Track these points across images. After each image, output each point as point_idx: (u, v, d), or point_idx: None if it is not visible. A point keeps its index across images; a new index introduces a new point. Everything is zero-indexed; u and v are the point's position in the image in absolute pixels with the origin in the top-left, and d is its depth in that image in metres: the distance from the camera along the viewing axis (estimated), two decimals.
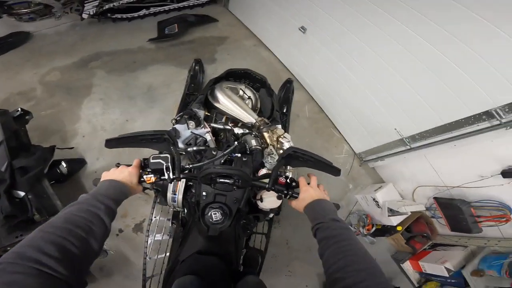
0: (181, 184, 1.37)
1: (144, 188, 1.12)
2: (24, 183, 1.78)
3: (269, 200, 1.29)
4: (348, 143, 2.98)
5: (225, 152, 1.33)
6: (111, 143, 1.12)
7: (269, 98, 2.11)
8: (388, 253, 2.66)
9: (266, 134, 1.60)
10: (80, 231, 0.71)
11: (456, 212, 2.07)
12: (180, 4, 3.76)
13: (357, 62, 2.45)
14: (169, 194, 1.38)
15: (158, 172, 1.06)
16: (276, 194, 1.16)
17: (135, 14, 3.56)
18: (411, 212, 2.31)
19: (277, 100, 2.14)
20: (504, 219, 1.89)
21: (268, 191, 1.13)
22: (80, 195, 0.87)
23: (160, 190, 1.42)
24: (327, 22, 2.60)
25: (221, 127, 1.74)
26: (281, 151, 1.52)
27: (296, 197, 1.09)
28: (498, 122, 1.63)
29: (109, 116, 2.77)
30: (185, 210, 1.56)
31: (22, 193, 1.78)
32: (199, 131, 1.66)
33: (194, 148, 1.55)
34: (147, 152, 1.14)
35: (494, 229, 2.01)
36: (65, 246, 0.65)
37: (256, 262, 1.91)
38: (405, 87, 2.10)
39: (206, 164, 1.26)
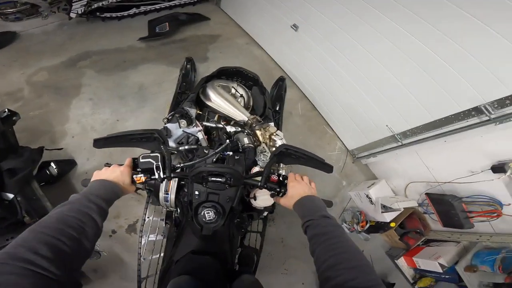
0: (173, 184, 1.36)
1: (137, 188, 1.10)
2: (12, 185, 1.77)
3: (263, 198, 1.28)
4: (341, 140, 2.99)
5: (216, 151, 1.32)
6: (99, 143, 1.10)
7: (261, 96, 2.10)
8: (383, 250, 2.68)
9: (258, 132, 1.60)
10: (72, 231, 0.70)
11: (448, 207, 2.09)
12: (171, 3, 3.72)
13: (349, 59, 2.46)
14: (161, 194, 1.37)
15: (148, 171, 1.05)
16: (269, 192, 1.15)
17: (125, 13, 3.51)
18: (403, 208, 2.33)
19: (269, 98, 2.13)
20: (495, 214, 1.91)
21: (261, 189, 1.13)
22: (70, 195, 0.86)
23: (152, 190, 1.40)
24: (319, 20, 2.60)
25: (213, 125, 1.73)
26: (274, 149, 1.52)
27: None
28: (487, 118, 1.65)
29: (99, 116, 2.73)
30: (178, 210, 1.54)
31: (11, 195, 1.77)
32: (191, 129, 1.65)
33: (186, 147, 1.53)
34: (140, 152, 1.12)
35: (485, 224, 2.04)
36: (58, 246, 0.65)
37: (252, 260, 1.90)
38: (396, 84, 2.11)
39: (198, 162, 1.25)
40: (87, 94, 2.85)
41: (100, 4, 3.18)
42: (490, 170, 1.79)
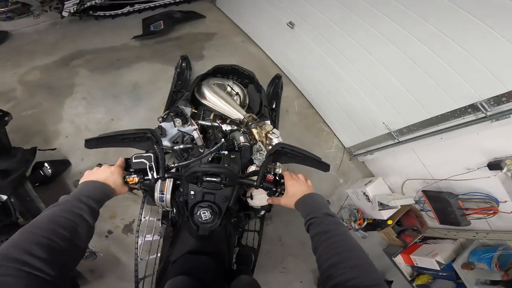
0: (169, 183, 1.34)
1: (132, 188, 1.08)
2: (5, 186, 1.75)
3: (260, 198, 1.27)
4: (337, 138, 2.99)
5: (211, 150, 1.30)
6: (90, 143, 1.07)
7: (257, 94, 2.09)
8: (380, 247, 2.69)
9: (254, 130, 1.58)
10: (65, 232, 0.70)
11: (445, 205, 2.10)
12: (166, 1, 3.67)
13: (345, 57, 2.45)
14: (157, 194, 1.34)
15: (141, 172, 1.03)
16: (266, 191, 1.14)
17: (119, 11, 3.45)
18: (400, 205, 2.33)
19: (265, 96, 2.12)
20: (492, 211, 1.91)
21: (256, 188, 1.11)
22: (60, 197, 0.85)
23: (147, 190, 1.38)
24: (315, 17, 2.58)
25: (209, 124, 1.72)
26: (270, 147, 1.50)
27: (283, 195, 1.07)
28: (483, 115, 1.65)
29: (93, 115, 2.70)
30: (174, 210, 1.52)
31: (4, 197, 1.76)
32: (186, 128, 1.63)
33: (181, 146, 1.52)
34: (135, 151, 1.10)
35: (482, 221, 2.05)
36: (51, 247, 0.65)
37: (250, 259, 1.90)
38: (392, 81, 2.11)
39: (193, 162, 1.23)
40: (80, 93, 2.81)
41: (93, 2, 3.13)
42: (487, 167, 1.79)
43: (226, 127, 1.67)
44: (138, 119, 2.72)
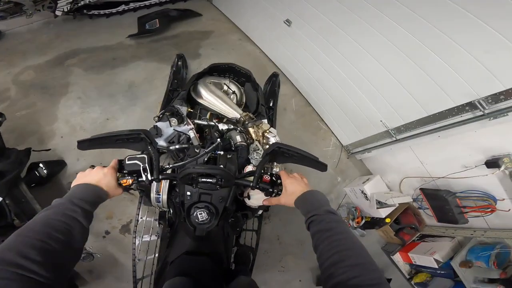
0: (165, 184, 1.32)
1: (128, 189, 1.06)
2: (0, 188, 1.72)
3: (257, 197, 1.26)
4: (335, 136, 2.98)
5: (207, 150, 1.29)
6: (83, 145, 1.06)
7: (254, 92, 2.08)
8: (379, 245, 2.69)
9: (251, 130, 1.57)
10: (59, 234, 0.70)
11: (442, 203, 2.09)
12: None
13: (343, 55, 2.43)
14: (153, 195, 1.33)
15: (135, 173, 1.01)
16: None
17: (114, 10, 3.41)
18: (398, 203, 2.33)
19: (262, 94, 2.11)
20: (489, 209, 1.90)
21: (253, 189, 1.10)
22: (53, 200, 0.85)
23: (144, 190, 1.37)
24: (312, 15, 2.56)
25: (205, 123, 1.70)
26: (267, 146, 1.49)
27: (280, 195, 1.06)
28: (481, 113, 1.63)
29: (89, 115, 2.67)
30: (171, 210, 1.51)
31: None
32: (182, 128, 1.61)
33: (177, 146, 1.50)
34: (130, 152, 1.08)
35: (480, 219, 2.05)
36: (46, 250, 0.65)
37: (248, 259, 1.89)
38: (390, 79, 2.09)
39: (188, 163, 1.21)
40: (75, 93, 2.78)
41: (87, 1, 3.09)
42: (484, 165, 1.78)
43: (222, 126, 1.65)
44: (134, 118, 2.70)
